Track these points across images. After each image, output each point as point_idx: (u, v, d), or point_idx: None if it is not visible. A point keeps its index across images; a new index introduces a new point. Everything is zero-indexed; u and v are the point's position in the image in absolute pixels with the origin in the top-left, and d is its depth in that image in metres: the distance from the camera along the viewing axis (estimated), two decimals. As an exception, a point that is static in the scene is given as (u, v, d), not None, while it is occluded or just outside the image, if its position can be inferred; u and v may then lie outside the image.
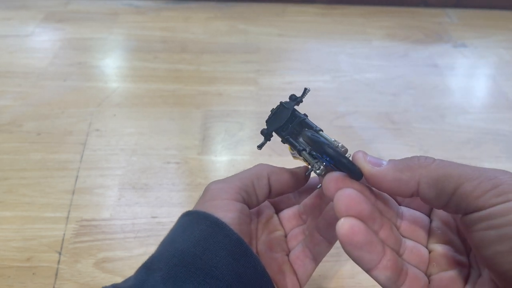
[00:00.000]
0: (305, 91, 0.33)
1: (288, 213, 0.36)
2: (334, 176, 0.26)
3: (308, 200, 0.36)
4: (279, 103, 0.34)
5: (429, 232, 0.29)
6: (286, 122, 0.32)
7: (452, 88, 0.75)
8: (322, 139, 0.29)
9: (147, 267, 0.27)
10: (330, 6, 0.98)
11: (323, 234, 0.32)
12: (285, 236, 0.35)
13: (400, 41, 0.87)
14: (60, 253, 0.47)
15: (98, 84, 0.72)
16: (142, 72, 0.75)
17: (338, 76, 0.76)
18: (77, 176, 0.55)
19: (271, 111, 0.34)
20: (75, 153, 0.59)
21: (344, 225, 0.24)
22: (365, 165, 0.26)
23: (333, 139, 0.29)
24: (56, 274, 0.45)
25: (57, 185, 0.54)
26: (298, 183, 0.34)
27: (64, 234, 0.49)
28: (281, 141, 0.33)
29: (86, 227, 0.49)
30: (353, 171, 0.26)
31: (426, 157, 0.26)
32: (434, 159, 0.25)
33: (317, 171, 0.28)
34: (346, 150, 0.28)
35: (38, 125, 0.63)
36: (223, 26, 0.90)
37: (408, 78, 0.77)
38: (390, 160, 0.27)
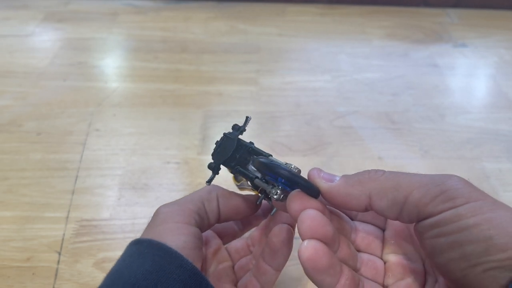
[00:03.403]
0: (247, 119, 0.34)
1: (236, 245, 0.36)
2: (297, 196, 0.26)
3: (256, 231, 0.35)
4: (222, 135, 0.34)
5: (383, 243, 0.29)
6: (233, 152, 0.32)
7: (452, 88, 0.75)
8: (276, 162, 0.28)
9: None
10: (330, 6, 0.98)
11: (269, 263, 0.32)
12: (233, 267, 0.35)
13: (400, 40, 0.87)
14: (60, 253, 0.47)
15: (98, 84, 0.72)
16: (142, 72, 0.75)
17: (338, 76, 0.76)
18: (77, 176, 0.55)
19: (215, 143, 0.33)
20: (75, 153, 0.59)
21: (308, 248, 0.24)
22: (318, 181, 0.26)
23: (284, 162, 0.29)
24: (56, 274, 0.45)
25: (57, 185, 0.54)
26: (248, 210, 0.33)
27: (64, 234, 0.49)
28: (231, 172, 0.32)
29: (86, 227, 0.49)
30: (310, 190, 0.26)
31: (377, 170, 0.26)
32: (384, 172, 0.26)
33: (275, 196, 0.27)
34: (300, 171, 0.28)
35: (38, 125, 0.63)
36: (223, 26, 0.90)
37: (408, 78, 0.77)
38: (342, 176, 0.27)
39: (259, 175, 0.30)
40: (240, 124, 0.34)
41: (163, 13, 0.93)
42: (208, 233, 0.35)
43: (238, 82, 0.73)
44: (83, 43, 0.82)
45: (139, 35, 0.85)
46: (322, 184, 0.26)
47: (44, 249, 0.47)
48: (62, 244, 0.48)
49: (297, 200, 0.26)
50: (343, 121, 0.66)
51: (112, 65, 0.78)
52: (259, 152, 0.32)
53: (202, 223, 0.31)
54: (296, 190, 0.27)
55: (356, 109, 0.68)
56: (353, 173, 0.27)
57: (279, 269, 0.32)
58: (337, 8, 0.97)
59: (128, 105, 0.68)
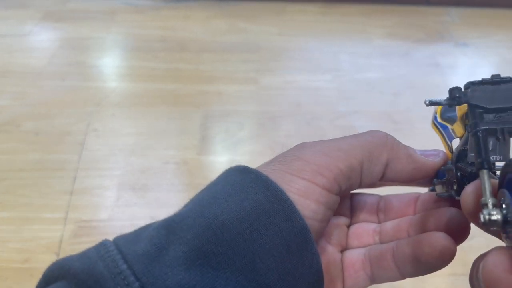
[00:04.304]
0: None
1: (362, 200, 0.27)
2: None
3: (394, 199, 0.26)
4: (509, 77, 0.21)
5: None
6: (502, 110, 0.20)
7: (453, 88, 0.75)
8: None
9: (169, 229, 0.20)
10: (330, 5, 0.97)
11: (399, 264, 0.23)
12: (348, 226, 0.27)
13: (401, 40, 0.87)
14: (58, 254, 0.46)
15: (97, 83, 0.72)
16: (141, 71, 0.75)
17: (339, 75, 0.76)
18: (75, 177, 0.55)
19: (492, 76, 0.21)
20: (73, 153, 0.58)
21: None
22: None
23: None
24: (54, 276, 0.45)
25: (55, 186, 0.54)
26: (421, 177, 0.25)
27: (62, 235, 0.48)
28: (468, 127, 0.21)
29: (84, 228, 0.49)
30: None
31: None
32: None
33: (485, 218, 0.17)
34: None
35: (36, 125, 0.63)
36: (223, 25, 0.89)
37: (409, 77, 0.76)
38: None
39: (496, 167, 0.20)
40: None
41: (163, 12, 0.93)
42: None
43: (238, 82, 0.73)
44: (82, 42, 0.82)
45: (138, 35, 0.85)
46: None
47: (42, 250, 0.47)
48: (60, 245, 0.47)
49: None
50: (344, 120, 0.65)
51: (111, 65, 0.78)
52: None
53: (348, 187, 0.23)
54: None
55: (357, 109, 0.68)
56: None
57: (406, 276, 0.24)
58: (338, 7, 0.97)
59: (127, 105, 0.67)
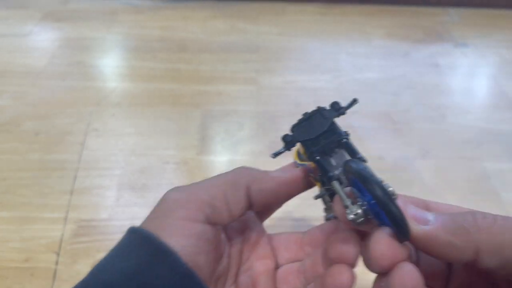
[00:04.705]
0: (353, 102, 0.27)
1: (285, 238, 0.28)
2: (388, 242, 0.20)
3: (316, 231, 0.27)
4: (316, 108, 0.26)
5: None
6: (320, 135, 0.25)
7: (453, 88, 0.75)
8: (374, 176, 0.21)
9: None
10: (330, 5, 0.98)
11: None
12: (276, 268, 0.27)
13: (401, 40, 0.87)
14: (58, 254, 0.46)
15: (97, 83, 0.72)
16: (141, 71, 0.75)
17: (338, 75, 0.76)
18: (75, 177, 0.55)
19: (303, 115, 0.26)
20: (73, 153, 0.58)
21: None
22: (408, 223, 0.21)
23: (380, 178, 0.21)
24: (54, 275, 0.45)
25: (55, 186, 0.54)
26: (292, 193, 0.27)
27: (62, 234, 0.48)
28: (308, 157, 0.26)
29: (84, 228, 0.49)
30: (402, 229, 0.20)
31: (485, 215, 0.21)
32: (495, 218, 0.20)
33: (351, 216, 0.21)
34: (396, 196, 0.21)
35: (36, 125, 0.63)
36: (222, 25, 0.89)
37: (409, 77, 0.76)
38: (437, 216, 0.21)
39: (341, 176, 0.24)
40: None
41: (162, 12, 0.93)
42: (248, 216, 0.28)
43: (238, 82, 0.73)
44: (82, 42, 0.82)
45: (138, 35, 0.85)
46: (413, 227, 0.21)
47: (42, 250, 0.47)
48: (60, 244, 0.47)
49: (388, 247, 0.20)
50: (343, 120, 0.65)
51: (111, 65, 0.78)
52: (353, 150, 0.25)
53: (219, 216, 0.24)
54: (385, 230, 0.21)
55: (357, 109, 0.68)
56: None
57: None
58: (337, 7, 0.97)
59: (127, 105, 0.67)
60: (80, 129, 0.62)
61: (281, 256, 0.28)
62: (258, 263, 0.27)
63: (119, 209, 0.51)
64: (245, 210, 0.26)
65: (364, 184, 0.21)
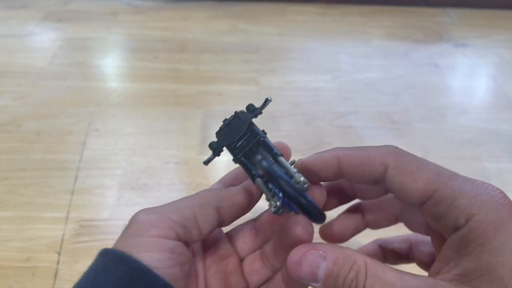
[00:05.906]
0: (266, 101, 0.29)
1: (239, 230, 0.30)
2: (303, 253, 0.23)
3: (266, 213, 0.29)
4: (233, 113, 0.29)
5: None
6: (240, 137, 0.27)
7: (452, 88, 0.75)
8: (279, 172, 0.23)
9: None
10: (330, 5, 0.98)
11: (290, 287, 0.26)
12: (240, 262, 0.29)
13: (401, 40, 0.87)
14: (59, 253, 0.47)
15: (98, 84, 0.72)
16: (142, 71, 0.75)
17: (338, 76, 0.76)
18: (76, 176, 0.55)
19: (223, 121, 0.29)
20: (74, 153, 0.58)
21: None
22: (310, 158, 0.25)
23: (295, 170, 0.24)
24: (56, 275, 0.45)
25: (57, 185, 0.54)
26: (253, 202, 0.28)
27: (63, 234, 0.48)
28: (233, 160, 0.27)
29: (85, 227, 0.49)
30: (313, 215, 0.23)
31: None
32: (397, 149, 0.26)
33: (272, 209, 0.24)
34: (309, 186, 0.24)
35: (37, 125, 0.63)
36: (223, 25, 0.89)
37: (409, 77, 0.76)
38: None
39: (264, 175, 0.26)
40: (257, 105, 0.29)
41: (163, 12, 0.93)
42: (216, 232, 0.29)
43: (238, 82, 0.73)
44: (83, 43, 0.82)
45: (139, 35, 0.85)
46: (314, 156, 0.26)
47: (43, 249, 0.47)
48: (61, 244, 0.48)
49: (299, 252, 0.23)
50: (343, 121, 0.66)
51: (111, 65, 0.78)
52: (269, 147, 0.27)
53: (189, 235, 0.25)
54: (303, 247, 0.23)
55: (356, 109, 0.68)
56: None
57: None
58: (338, 7, 0.97)
59: (128, 105, 0.67)
60: (81, 129, 0.62)
61: (241, 249, 0.29)
62: (223, 264, 0.28)
63: (120, 209, 0.51)
64: (214, 228, 0.27)
65: (272, 182, 0.23)
